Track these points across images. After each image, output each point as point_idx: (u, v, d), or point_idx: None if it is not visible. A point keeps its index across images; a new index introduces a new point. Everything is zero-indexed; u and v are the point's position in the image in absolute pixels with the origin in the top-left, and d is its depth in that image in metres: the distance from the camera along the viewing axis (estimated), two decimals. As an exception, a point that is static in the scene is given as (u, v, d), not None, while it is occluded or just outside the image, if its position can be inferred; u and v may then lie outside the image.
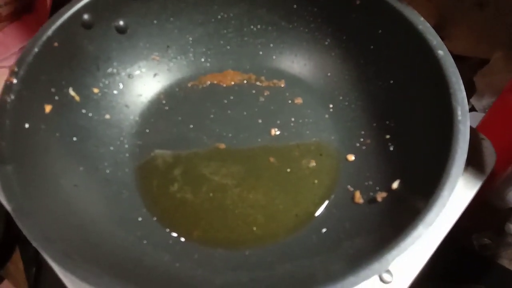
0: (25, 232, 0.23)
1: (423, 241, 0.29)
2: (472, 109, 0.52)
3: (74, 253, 0.23)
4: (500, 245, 0.46)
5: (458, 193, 0.32)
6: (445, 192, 0.24)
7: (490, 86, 0.50)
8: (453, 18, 0.51)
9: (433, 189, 0.24)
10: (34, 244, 0.22)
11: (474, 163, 0.33)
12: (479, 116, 0.50)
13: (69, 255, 0.23)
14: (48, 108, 0.30)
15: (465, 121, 0.26)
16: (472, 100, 0.52)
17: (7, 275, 0.38)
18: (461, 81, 0.28)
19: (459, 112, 0.26)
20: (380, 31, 0.33)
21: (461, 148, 0.25)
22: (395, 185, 0.29)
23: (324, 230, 0.30)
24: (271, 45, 0.39)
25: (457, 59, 0.50)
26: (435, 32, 0.30)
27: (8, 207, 0.24)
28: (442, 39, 0.49)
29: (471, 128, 0.34)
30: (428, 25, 0.30)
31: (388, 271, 0.29)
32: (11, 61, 0.49)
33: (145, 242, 0.29)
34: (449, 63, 0.28)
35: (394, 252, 0.22)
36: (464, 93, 0.27)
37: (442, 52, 0.29)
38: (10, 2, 0.54)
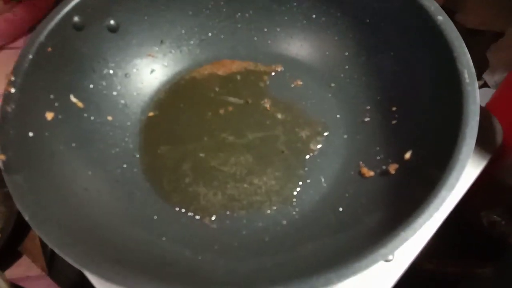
0: (44, 239, 0.22)
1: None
2: (484, 85, 0.51)
3: (95, 255, 0.23)
4: (511, 223, 0.44)
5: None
6: (462, 155, 0.24)
7: (504, 61, 0.48)
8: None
9: (450, 153, 0.24)
10: (56, 250, 0.22)
11: (479, 140, 0.32)
12: (491, 92, 0.48)
13: (91, 257, 0.23)
14: (49, 116, 0.30)
15: (473, 83, 0.26)
16: (485, 76, 0.50)
17: (24, 250, 0.38)
18: (464, 45, 0.27)
19: (466, 75, 0.26)
20: (375, 3, 0.33)
21: (472, 109, 0.25)
22: (407, 155, 0.29)
23: (340, 209, 0.30)
24: (265, 29, 0.38)
25: (471, 33, 0.49)
26: (432, -2, 0.30)
27: (24, 216, 0.23)
28: (455, 12, 0.48)
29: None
30: (424, -9, 0.30)
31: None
32: (23, 42, 0.50)
33: (164, 239, 0.29)
34: (450, 28, 0.28)
35: (421, 219, 0.22)
36: (469, 56, 0.27)
37: (442, 18, 0.29)
38: (19, -18, 0.53)
